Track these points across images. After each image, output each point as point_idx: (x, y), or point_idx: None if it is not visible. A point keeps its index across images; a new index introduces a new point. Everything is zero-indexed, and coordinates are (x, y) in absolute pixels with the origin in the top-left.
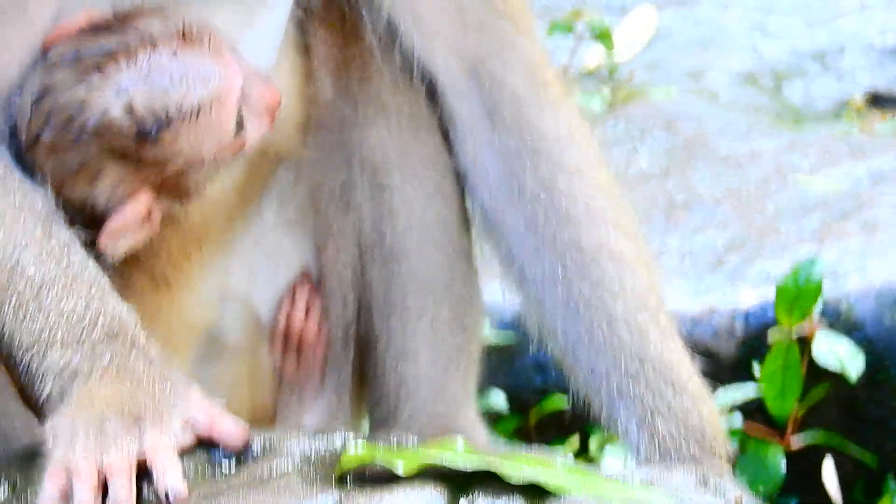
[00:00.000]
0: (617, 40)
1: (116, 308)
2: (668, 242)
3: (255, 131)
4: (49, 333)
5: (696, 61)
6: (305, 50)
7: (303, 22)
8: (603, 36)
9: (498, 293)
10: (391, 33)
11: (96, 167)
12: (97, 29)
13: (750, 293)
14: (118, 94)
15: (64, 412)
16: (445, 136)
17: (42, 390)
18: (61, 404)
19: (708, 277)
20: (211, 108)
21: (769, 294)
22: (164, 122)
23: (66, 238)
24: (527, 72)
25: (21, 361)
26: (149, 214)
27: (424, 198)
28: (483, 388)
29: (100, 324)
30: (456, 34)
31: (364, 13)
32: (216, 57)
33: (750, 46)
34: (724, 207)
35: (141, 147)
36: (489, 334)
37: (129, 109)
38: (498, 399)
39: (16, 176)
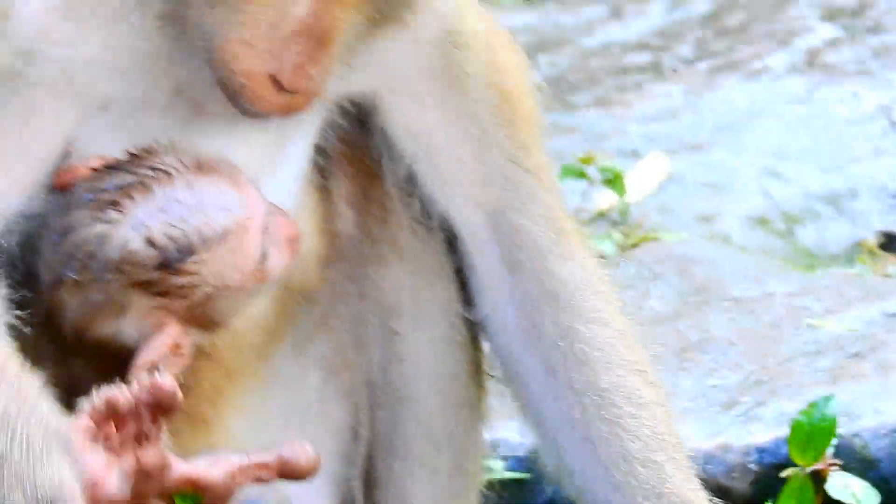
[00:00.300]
0: (629, 184)
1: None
2: (680, 383)
3: (277, 262)
4: None
5: (708, 205)
6: (326, 190)
7: (322, 165)
8: (615, 180)
9: (512, 431)
10: (410, 181)
11: (121, 301)
12: (111, 168)
13: (763, 431)
14: (136, 227)
15: None
16: (462, 280)
17: None
18: None
19: (721, 418)
20: (234, 235)
21: (783, 432)
22: (187, 251)
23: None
24: (547, 222)
25: None
26: (178, 347)
27: (434, 345)
28: None
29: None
30: (476, 186)
31: (384, 161)
32: (236, 186)
33: (762, 190)
34: (738, 349)
35: (165, 277)
36: (503, 471)
37: (150, 241)
38: None
39: None
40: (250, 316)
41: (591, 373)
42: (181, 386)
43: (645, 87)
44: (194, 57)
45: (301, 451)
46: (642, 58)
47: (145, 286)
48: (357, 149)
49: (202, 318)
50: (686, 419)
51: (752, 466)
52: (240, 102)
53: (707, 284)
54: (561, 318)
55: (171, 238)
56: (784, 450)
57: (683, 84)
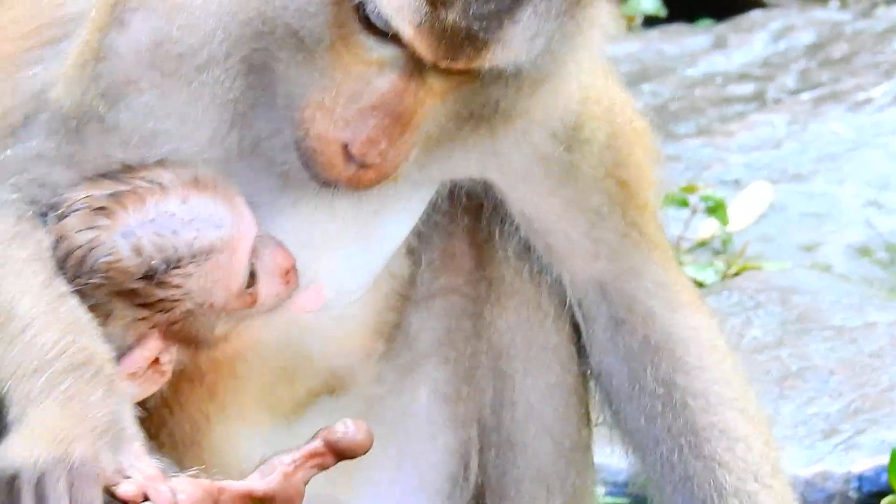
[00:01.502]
0: (731, 213)
1: (89, 343)
2: (781, 411)
3: (267, 289)
4: (23, 365)
5: (810, 234)
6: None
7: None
8: (717, 209)
9: (612, 456)
10: (525, 250)
11: (106, 308)
12: (105, 177)
13: (864, 459)
14: (125, 235)
15: (14, 438)
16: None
17: (10, 417)
18: (17, 428)
19: (821, 445)
20: (222, 253)
21: (883, 460)
22: (173, 263)
23: (64, 290)
24: (656, 289)
25: (5, 392)
26: (157, 362)
27: (544, 391)
28: None
29: (66, 355)
30: (587, 259)
31: (496, 232)
32: (229, 206)
33: (864, 220)
34: (838, 377)
35: (149, 288)
36: (603, 497)
37: (137, 249)
38: None
39: (35, 234)
40: (356, 320)
41: (689, 416)
42: (164, 405)
43: (748, 116)
44: (275, 112)
45: (350, 427)
46: (745, 88)
47: (129, 295)
48: (473, 211)
49: (185, 334)
50: (786, 447)
51: (853, 494)
52: (311, 167)
53: (808, 313)
54: (661, 369)
55: (158, 248)
56: (884, 478)
57: (786, 114)
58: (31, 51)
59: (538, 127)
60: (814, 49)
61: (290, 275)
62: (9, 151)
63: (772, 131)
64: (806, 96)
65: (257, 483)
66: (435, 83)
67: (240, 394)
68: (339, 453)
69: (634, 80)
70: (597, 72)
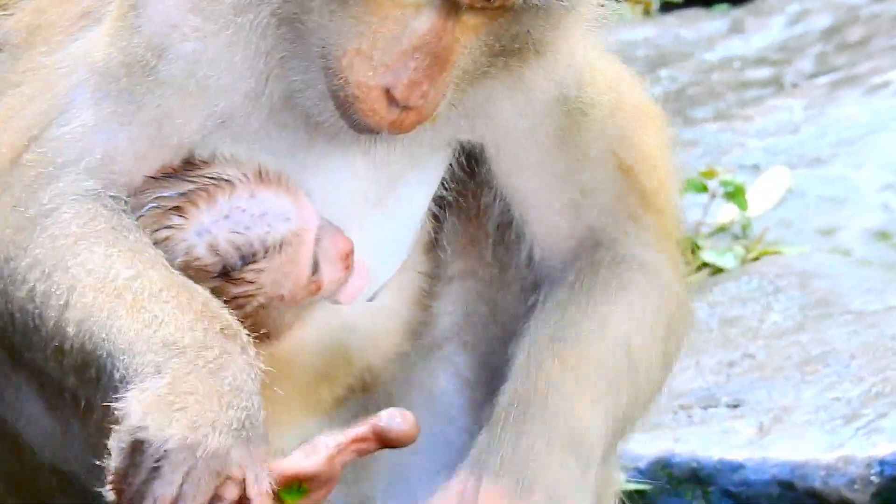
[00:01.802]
0: (750, 198)
1: (233, 321)
2: (802, 396)
3: (329, 275)
4: (164, 317)
5: (828, 219)
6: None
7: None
8: (736, 194)
9: (635, 441)
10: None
11: None
12: (169, 176)
13: (885, 443)
14: (200, 233)
15: (150, 398)
16: None
17: (127, 364)
18: (153, 377)
19: (843, 430)
20: (291, 245)
21: None
22: (248, 258)
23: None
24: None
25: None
26: None
27: None
28: None
29: (217, 321)
30: (561, 239)
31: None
32: (293, 198)
33: (882, 204)
34: (859, 362)
35: (224, 285)
36: (625, 482)
37: (213, 247)
38: None
39: (125, 221)
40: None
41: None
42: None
43: (765, 101)
44: (308, 64)
45: (397, 416)
46: (763, 72)
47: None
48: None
49: (255, 329)
50: (807, 432)
51: (874, 478)
52: (350, 115)
53: (828, 298)
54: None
55: (233, 245)
56: None
57: (804, 98)
58: (78, 31)
59: (539, 91)
60: (830, 33)
61: (348, 259)
62: (64, 128)
63: (789, 116)
64: (823, 80)
65: (302, 462)
66: (470, 19)
67: (284, 394)
68: (385, 442)
69: (652, 65)
70: (598, 47)
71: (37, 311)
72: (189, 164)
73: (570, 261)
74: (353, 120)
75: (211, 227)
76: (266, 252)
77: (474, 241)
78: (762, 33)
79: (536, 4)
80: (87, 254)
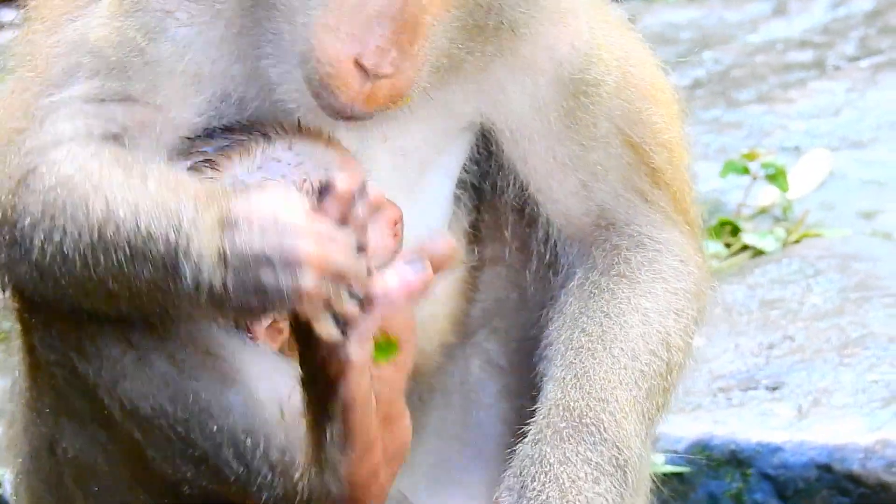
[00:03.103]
0: (791, 181)
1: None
2: (841, 378)
3: (377, 239)
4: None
5: (869, 202)
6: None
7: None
8: (778, 176)
9: (672, 425)
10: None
11: None
12: (209, 136)
13: None
14: (233, 184)
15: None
16: None
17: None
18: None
19: (881, 413)
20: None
21: None
22: None
23: (145, 168)
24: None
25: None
26: (278, 327)
27: None
28: None
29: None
30: (577, 217)
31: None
32: (337, 151)
33: None
34: None
35: None
36: (663, 465)
37: None
38: None
39: (105, 145)
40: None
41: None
42: None
43: (808, 83)
44: (283, 51)
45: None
46: (805, 55)
47: None
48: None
49: None
50: (846, 414)
51: None
52: (327, 99)
53: (868, 281)
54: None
55: None
56: None
57: (846, 81)
58: (74, 11)
59: (539, 71)
60: (873, 16)
61: (398, 226)
62: (54, 97)
63: (831, 98)
64: (865, 63)
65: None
66: None
67: None
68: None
69: (695, 46)
70: (611, 23)
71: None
72: (227, 128)
73: (588, 241)
74: (329, 104)
75: (244, 177)
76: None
77: (496, 225)
78: (805, 16)
79: None
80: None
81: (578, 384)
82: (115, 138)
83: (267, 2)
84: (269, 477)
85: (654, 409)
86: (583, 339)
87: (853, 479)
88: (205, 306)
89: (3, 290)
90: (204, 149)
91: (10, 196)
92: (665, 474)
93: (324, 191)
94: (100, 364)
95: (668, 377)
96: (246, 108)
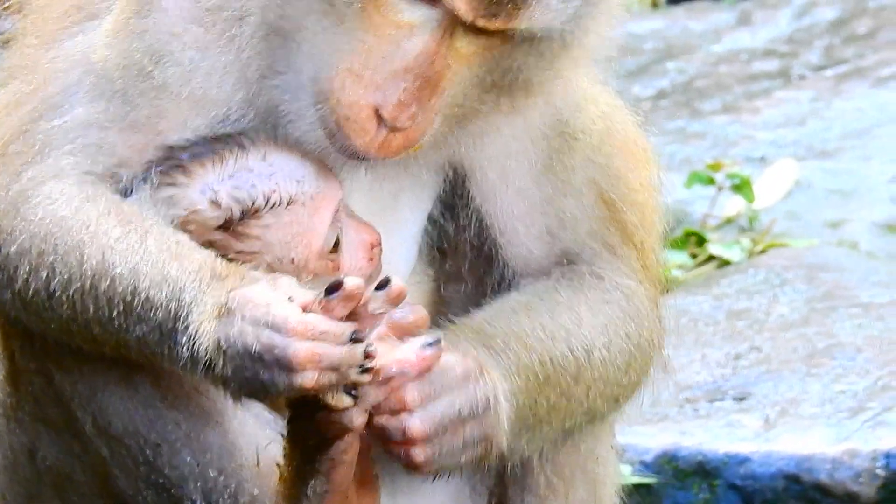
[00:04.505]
0: (757, 191)
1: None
2: (808, 389)
3: (350, 260)
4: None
5: (836, 212)
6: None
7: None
8: (743, 186)
9: (639, 435)
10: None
11: None
12: (186, 147)
13: (891, 436)
14: (203, 191)
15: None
16: None
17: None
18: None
19: (848, 423)
20: (302, 207)
21: None
22: (249, 213)
23: (147, 224)
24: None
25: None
26: None
27: None
28: None
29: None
30: (535, 261)
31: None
32: (314, 166)
33: (890, 197)
34: (865, 355)
35: (228, 239)
36: (631, 475)
37: (215, 202)
38: None
39: (99, 189)
40: None
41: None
42: None
43: (773, 93)
44: (299, 88)
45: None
46: (770, 64)
47: (210, 248)
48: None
49: None
50: (813, 425)
51: (880, 472)
52: (340, 140)
53: (835, 291)
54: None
55: (235, 200)
56: None
57: (811, 90)
58: (72, 26)
59: (534, 117)
60: (837, 25)
61: (374, 251)
62: (55, 122)
63: (797, 108)
64: (830, 73)
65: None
66: (464, 46)
67: None
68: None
69: (659, 57)
70: (595, 80)
71: (44, 293)
72: (209, 137)
73: (546, 273)
74: (342, 145)
75: (214, 184)
76: (271, 207)
77: (454, 258)
78: (769, 26)
79: (534, 36)
80: (80, 225)
81: (487, 320)
82: (112, 175)
83: (287, 34)
84: None
85: (544, 402)
86: (510, 303)
87: (821, 489)
88: (200, 378)
89: None
90: (180, 156)
91: None
92: (632, 485)
93: (332, 289)
94: (77, 376)
95: (574, 386)
96: (240, 128)
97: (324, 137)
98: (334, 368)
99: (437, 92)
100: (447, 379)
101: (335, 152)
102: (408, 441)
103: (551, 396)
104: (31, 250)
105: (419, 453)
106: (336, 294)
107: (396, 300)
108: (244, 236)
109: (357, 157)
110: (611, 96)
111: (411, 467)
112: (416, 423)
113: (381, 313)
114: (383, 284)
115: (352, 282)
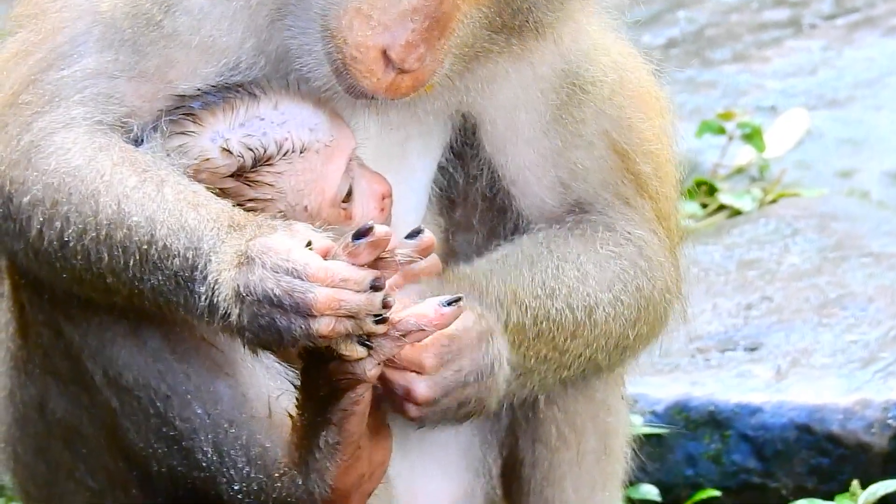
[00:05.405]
0: (768, 140)
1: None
2: (820, 339)
3: (362, 210)
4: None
5: (847, 161)
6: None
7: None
8: (754, 136)
9: (651, 386)
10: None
11: None
12: (198, 95)
13: None
14: (213, 139)
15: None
16: None
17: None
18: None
19: (860, 373)
20: (315, 154)
21: None
22: (262, 160)
23: (162, 174)
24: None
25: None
26: None
27: None
28: (635, 482)
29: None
30: (548, 211)
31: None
32: (327, 114)
33: None
34: (877, 304)
35: (241, 186)
36: (642, 426)
37: (226, 151)
38: (650, 493)
39: (112, 139)
40: None
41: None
42: None
43: (784, 42)
44: (307, 25)
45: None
46: (781, 13)
47: (223, 196)
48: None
49: None
50: (825, 375)
51: (892, 422)
52: (347, 79)
53: (846, 240)
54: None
55: (246, 147)
56: None
57: (822, 39)
58: None
59: (542, 65)
60: None
61: (385, 201)
62: (64, 72)
63: (808, 57)
64: (841, 21)
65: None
66: None
67: None
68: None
69: (670, 6)
70: (608, 29)
71: (56, 244)
72: (220, 85)
73: (559, 220)
74: (349, 84)
75: (225, 133)
76: (283, 155)
77: (465, 213)
78: None
79: None
80: (94, 174)
81: (486, 273)
82: (123, 125)
83: None
84: (247, 470)
85: (533, 356)
86: (517, 253)
87: (833, 439)
88: (216, 327)
89: None
90: (191, 105)
91: (9, 168)
92: (643, 436)
93: (360, 234)
94: (86, 328)
95: (570, 341)
96: (251, 76)
97: (331, 75)
98: (351, 316)
99: (446, 33)
100: (461, 344)
101: (343, 92)
102: (409, 399)
103: (542, 350)
104: (45, 200)
105: (414, 411)
106: (364, 239)
107: (426, 251)
108: (257, 184)
109: (365, 97)
110: (624, 45)
111: (402, 415)
112: (422, 389)
113: (402, 263)
114: (414, 234)
115: (381, 228)
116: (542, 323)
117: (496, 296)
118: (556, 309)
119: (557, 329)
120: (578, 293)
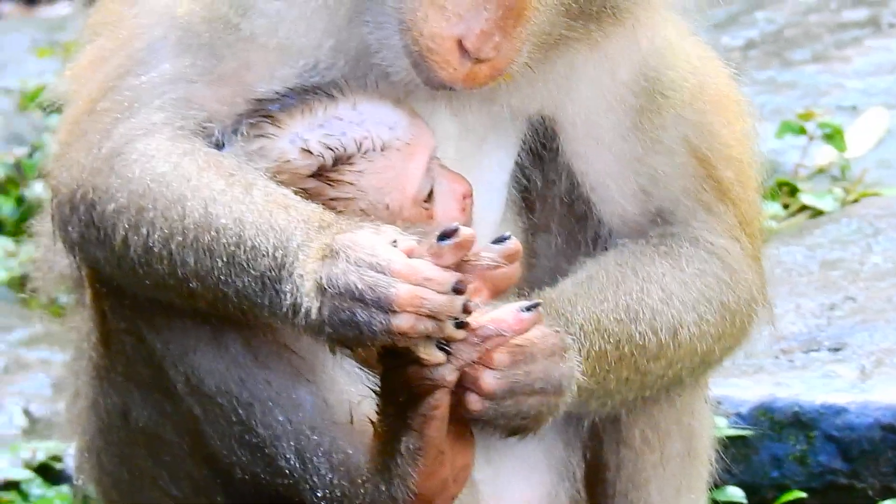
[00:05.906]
0: (849, 140)
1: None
2: None
3: (444, 209)
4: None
5: None
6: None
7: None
8: (835, 136)
9: (736, 387)
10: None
11: None
12: (276, 99)
13: None
14: (293, 140)
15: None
16: None
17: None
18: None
19: None
20: (395, 153)
21: None
22: (342, 159)
23: (249, 179)
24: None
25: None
26: None
27: None
28: (720, 484)
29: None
30: (629, 217)
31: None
32: (406, 114)
33: None
34: None
35: (321, 186)
36: (727, 428)
37: (306, 151)
38: (735, 495)
39: (195, 143)
40: None
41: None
42: None
43: (863, 41)
44: (384, 20)
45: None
46: (860, 13)
47: (304, 197)
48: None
49: None
50: None
51: None
52: (424, 70)
53: None
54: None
55: (327, 147)
56: None
57: None
58: None
59: (620, 67)
60: None
61: (466, 201)
62: (142, 78)
63: (888, 56)
64: None
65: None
66: None
67: None
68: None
69: (748, 7)
70: (685, 33)
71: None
72: (295, 87)
73: (641, 233)
74: (427, 75)
75: (304, 133)
76: (364, 153)
77: (544, 217)
78: None
79: None
80: (181, 180)
81: (570, 298)
82: (203, 129)
83: None
84: (329, 477)
85: (614, 378)
86: (601, 275)
87: None
88: (298, 328)
89: (75, 265)
90: (269, 108)
91: (91, 176)
92: (728, 438)
93: (445, 235)
94: (168, 335)
95: (652, 363)
96: (329, 76)
97: (409, 67)
98: (432, 316)
99: (522, 20)
100: (534, 349)
101: (422, 84)
102: (474, 389)
103: (623, 373)
104: (130, 207)
105: (476, 402)
106: (449, 241)
107: (512, 258)
108: (338, 183)
109: (444, 88)
110: (702, 47)
111: (461, 408)
112: (489, 380)
113: (486, 268)
114: (501, 240)
115: (466, 230)
116: (624, 347)
117: (580, 324)
118: (640, 332)
119: (640, 352)
120: (663, 315)
